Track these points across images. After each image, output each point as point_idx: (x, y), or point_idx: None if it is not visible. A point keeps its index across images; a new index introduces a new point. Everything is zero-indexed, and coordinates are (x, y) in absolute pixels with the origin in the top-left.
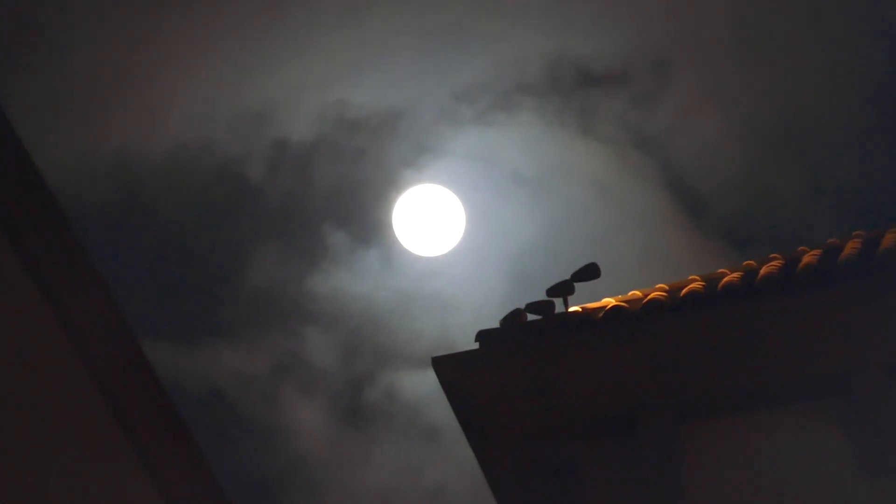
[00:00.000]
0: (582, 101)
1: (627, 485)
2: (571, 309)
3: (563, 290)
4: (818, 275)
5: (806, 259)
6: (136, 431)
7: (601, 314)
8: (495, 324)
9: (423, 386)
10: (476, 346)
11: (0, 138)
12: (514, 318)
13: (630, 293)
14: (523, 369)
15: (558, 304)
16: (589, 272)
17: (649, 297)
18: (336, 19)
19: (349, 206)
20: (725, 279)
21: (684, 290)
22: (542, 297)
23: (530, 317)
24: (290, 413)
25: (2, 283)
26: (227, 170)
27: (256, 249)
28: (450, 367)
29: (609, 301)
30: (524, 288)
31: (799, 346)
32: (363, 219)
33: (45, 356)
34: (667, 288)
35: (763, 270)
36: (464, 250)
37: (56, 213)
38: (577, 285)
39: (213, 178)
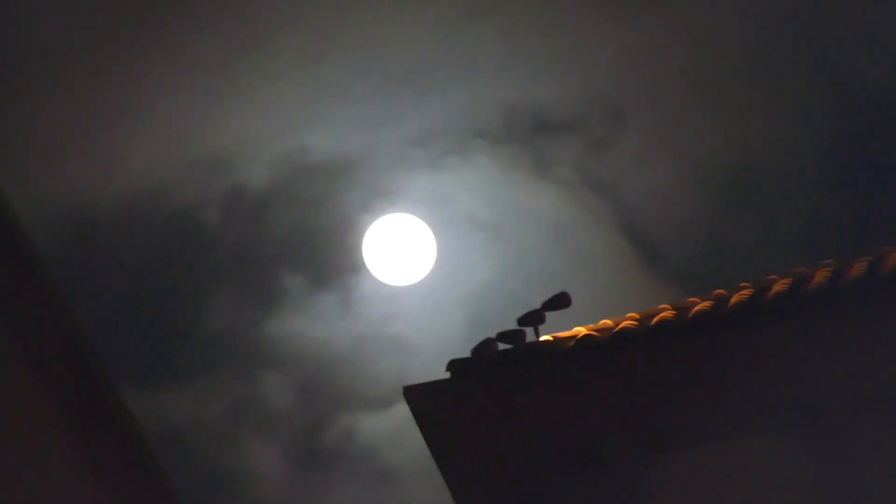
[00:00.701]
0: (537, 146)
1: None
2: (542, 338)
3: (533, 319)
4: (788, 303)
5: (776, 287)
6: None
7: (572, 343)
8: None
9: (380, 428)
10: (447, 375)
11: None
12: (485, 347)
13: (601, 322)
14: (494, 398)
15: (529, 333)
16: (559, 301)
17: (620, 326)
18: (293, 67)
19: (306, 250)
20: (696, 308)
21: (655, 319)
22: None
23: (501, 346)
24: (249, 456)
25: None
26: (182, 216)
27: (213, 294)
28: (421, 396)
29: (580, 330)
30: (481, 329)
31: (768, 375)
32: (320, 263)
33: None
34: (638, 317)
35: (734, 299)
36: (421, 292)
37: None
38: (548, 315)
39: (168, 225)
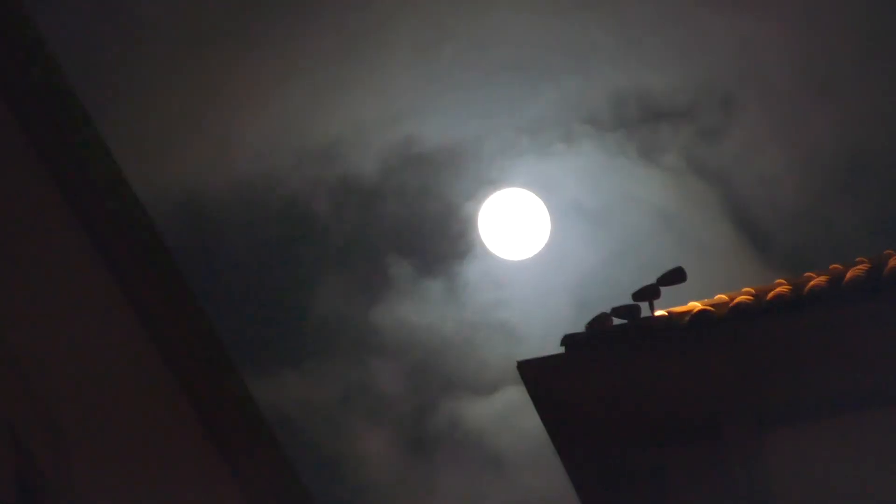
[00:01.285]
0: (645, 134)
1: (713, 491)
2: (657, 313)
3: (649, 294)
4: None
5: (892, 262)
6: (232, 453)
7: (688, 318)
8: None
9: (486, 413)
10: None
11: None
12: (600, 323)
13: (716, 297)
14: (609, 373)
15: (644, 308)
16: (675, 276)
17: (736, 301)
18: (404, 57)
19: (413, 238)
20: (812, 282)
21: (771, 294)
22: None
23: (616, 321)
24: (357, 441)
25: (101, 303)
26: (293, 204)
27: (322, 282)
28: (536, 372)
29: (695, 305)
30: (587, 315)
31: (884, 350)
32: (427, 250)
33: (142, 375)
34: (753, 292)
35: (850, 274)
36: (528, 277)
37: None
38: (663, 290)
39: (279, 212)
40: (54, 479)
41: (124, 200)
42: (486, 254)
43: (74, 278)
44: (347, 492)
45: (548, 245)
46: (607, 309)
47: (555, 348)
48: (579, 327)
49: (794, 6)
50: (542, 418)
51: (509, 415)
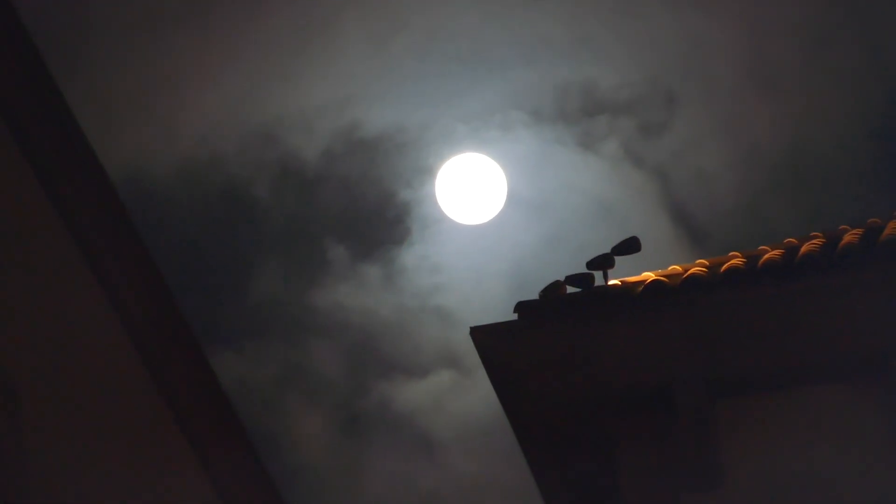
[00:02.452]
0: (587, 126)
1: (664, 459)
2: (611, 282)
3: (603, 263)
4: (858, 253)
5: (847, 238)
6: (192, 428)
7: (641, 288)
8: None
9: (419, 397)
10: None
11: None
12: (553, 290)
13: (670, 268)
14: (562, 341)
15: (598, 277)
16: (629, 246)
17: (689, 272)
18: (355, 44)
19: (351, 223)
20: (766, 256)
21: (724, 266)
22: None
23: (570, 289)
24: (292, 421)
25: (62, 272)
26: (234, 187)
27: (261, 264)
28: (488, 337)
29: (648, 275)
30: (518, 293)
31: (837, 325)
32: (365, 236)
33: (105, 351)
34: (707, 264)
35: (804, 248)
36: (465, 263)
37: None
38: (617, 260)
39: (220, 195)
40: (5, 442)
41: (88, 167)
42: (423, 239)
43: (37, 245)
44: (282, 472)
45: (484, 231)
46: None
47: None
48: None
49: (741, 5)
50: (494, 384)
51: (442, 398)
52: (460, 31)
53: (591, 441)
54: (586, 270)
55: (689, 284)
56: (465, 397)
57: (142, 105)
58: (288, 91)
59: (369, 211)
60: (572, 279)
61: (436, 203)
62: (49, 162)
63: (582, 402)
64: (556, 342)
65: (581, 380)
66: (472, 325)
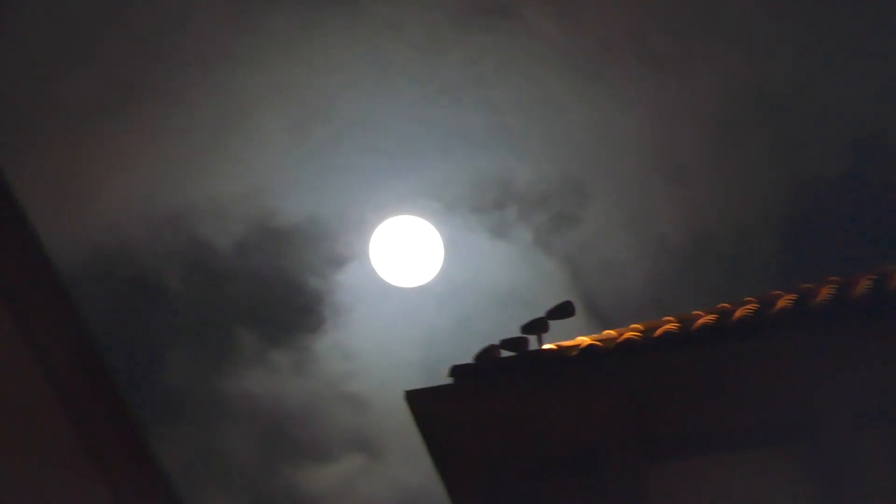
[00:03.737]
0: (500, 215)
1: None
2: (545, 346)
3: (537, 327)
4: (792, 318)
5: (780, 303)
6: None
7: (575, 352)
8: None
9: (328, 480)
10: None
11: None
12: (488, 354)
13: (604, 332)
14: (496, 404)
15: (532, 341)
16: (563, 310)
17: (624, 337)
18: (274, 134)
19: (262, 311)
20: (700, 320)
21: (659, 330)
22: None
23: (504, 353)
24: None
25: None
26: (145, 273)
27: (171, 350)
28: (423, 400)
29: (583, 340)
30: (434, 375)
31: (770, 389)
32: (276, 322)
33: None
34: (641, 328)
35: (738, 313)
36: (373, 350)
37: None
38: (552, 324)
39: (130, 281)
40: None
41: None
42: (336, 326)
43: None
44: None
45: (395, 318)
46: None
47: (400, 417)
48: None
49: (650, 97)
50: (428, 447)
51: (352, 482)
52: (375, 121)
53: (523, 502)
54: (520, 335)
55: (623, 348)
56: (375, 481)
57: (54, 190)
58: (203, 180)
59: (280, 299)
60: (507, 343)
61: (348, 288)
62: None
63: (514, 463)
64: (489, 406)
65: (513, 442)
66: (382, 409)
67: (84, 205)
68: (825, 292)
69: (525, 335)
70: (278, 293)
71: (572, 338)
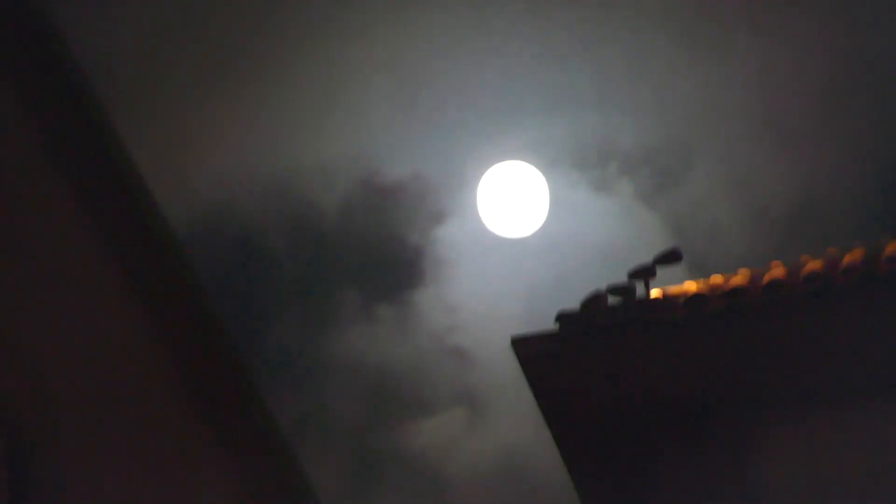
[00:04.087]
0: (602, 173)
1: (702, 475)
2: (652, 293)
3: (644, 273)
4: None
5: (889, 249)
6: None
7: (682, 300)
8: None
9: (435, 437)
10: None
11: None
12: (594, 301)
13: (712, 278)
14: (603, 352)
15: (639, 288)
16: (671, 257)
17: (731, 283)
18: (381, 98)
19: (366, 268)
20: (807, 266)
21: (766, 277)
22: None
23: (611, 299)
24: (309, 466)
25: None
26: (250, 234)
27: (276, 312)
28: (529, 347)
29: (690, 286)
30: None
31: (881, 338)
32: (380, 280)
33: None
34: (749, 274)
35: (846, 259)
36: (476, 301)
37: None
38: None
39: (236, 243)
40: (44, 447)
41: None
42: (437, 280)
43: (73, 257)
44: None
45: (497, 272)
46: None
47: (502, 371)
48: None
49: (757, 59)
50: (535, 394)
51: (459, 438)
52: (481, 83)
53: (631, 451)
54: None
55: (730, 295)
56: (478, 435)
57: (168, 151)
58: (308, 143)
59: (383, 257)
60: (613, 290)
61: (451, 243)
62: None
63: (621, 412)
64: (595, 354)
65: (620, 391)
66: (484, 363)
67: (195, 166)
68: None
69: (632, 281)
70: (382, 251)
71: (680, 284)
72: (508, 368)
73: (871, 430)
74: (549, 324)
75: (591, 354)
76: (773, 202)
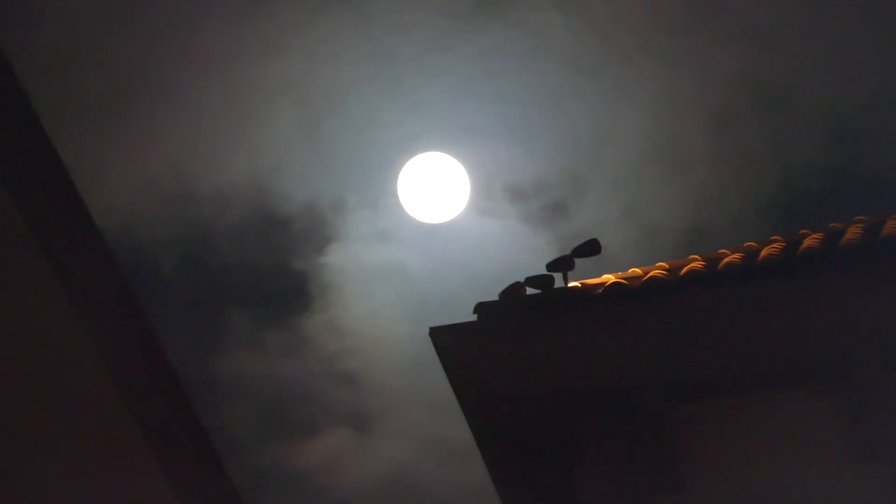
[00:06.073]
0: (492, 200)
1: (623, 462)
2: (570, 284)
3: (563, 265)
4: (819, 258)
5: (807, 242)
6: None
7: (600, 290)
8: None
9: (318, 456)
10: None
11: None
12: (513, 291)
13: (630, 270)
14: (521, 342)
15: (558, 279)
16: (590, 248)
17: (649, 275)
18: (286, 125)
19: (256, 291)
20: (726, 259)
21: (685, 269)
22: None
23: (529, 290)
24: None
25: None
26: (141, 255)
27: (166, 333)
28: (447, 337)
29: (609, 277)
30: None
31: (798, 330)
32: (270, 303)
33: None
34: (667, 267)
35: (764, 252)
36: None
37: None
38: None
39: (125, 264)
40: None
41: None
42: (327, 304)
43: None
44: None
45: (385, 297)
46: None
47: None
48: (422, 374)
49: (651, 91)
50: (452, 384)
51: (345, 458)
52: (382, 113)
53: (551, 442)
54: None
55: (649, 287)
56: (365, 457)
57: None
58: (204, 168)
59: (275, 278)
60: (532, 280)
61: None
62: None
63: (539, 402)
64: (513, 343)
65: (539, 380)
66: (374, 384)
67: (87, 184)
68: (853, 231)
69: (550, 272)
70: (273, 275)
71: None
72: (396, 390)
73: (788, 416)
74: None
75: (508, 344)
76: (664, 224)
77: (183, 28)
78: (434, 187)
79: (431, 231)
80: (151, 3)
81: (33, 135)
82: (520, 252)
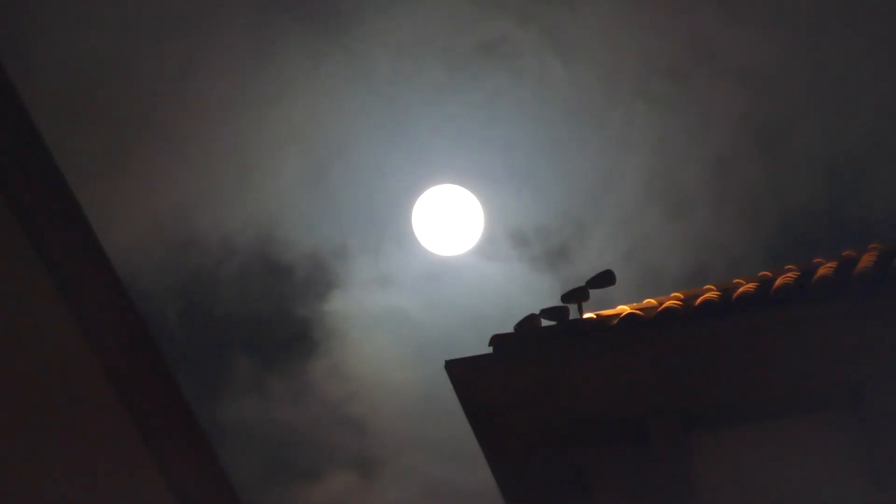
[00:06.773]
0: (497, 243)
1: (637, 492)
2: (586, 315)
3: (577, 295)
4: (833, 286)
5: (821, 270)
6: (151, 432)
7: (616, 321)
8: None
9: (329, 499)
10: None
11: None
12: (528, 323)
13: (645, 301)
14: (537, 374)
15: (572, 310)
16: (604, 279)
17: (664, 306)
18: (290, 177)
19: (260, 338)
20: (741, 289)
21: (699, 299)
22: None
23: (544, 322)
24: None
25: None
26: (143, 302)
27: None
28: (463, 369)
29: (624, 308)
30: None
31: (811, 357)
32: (274, 350)
33: (63, 358)
34: (682, 297)
35: (778, 281)
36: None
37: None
38: (592, 293)
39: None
40: None
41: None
42: (332, 350)
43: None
44: None
45: (388, 342)
46: (453, 403)
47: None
48: (427, 417)
49: (651, 136)
50: (468, 416)
51: (348, 501)
52: (388, 161)
53: (565, 472)
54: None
55: (663, 317)
56: (371, 501)
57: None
58: (207, 215)
59: (280, 324)
60: (547, 312)
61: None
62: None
63: (556, 433)
64: (530, 375)
65: (555, 412)
66: (379, 431)
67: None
68: (867, 259)
69: (565, 304)
70: (277, 321)
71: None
72: (400, 434)
73: (802, 444)
74: (443, 388)
75: (524, 376)
76: (665, 266)
77: (189, 77)
78: (444, 221)
79: (433, 275)
80: (160, 55)
81: (52, 179)
82: (522, 295)
